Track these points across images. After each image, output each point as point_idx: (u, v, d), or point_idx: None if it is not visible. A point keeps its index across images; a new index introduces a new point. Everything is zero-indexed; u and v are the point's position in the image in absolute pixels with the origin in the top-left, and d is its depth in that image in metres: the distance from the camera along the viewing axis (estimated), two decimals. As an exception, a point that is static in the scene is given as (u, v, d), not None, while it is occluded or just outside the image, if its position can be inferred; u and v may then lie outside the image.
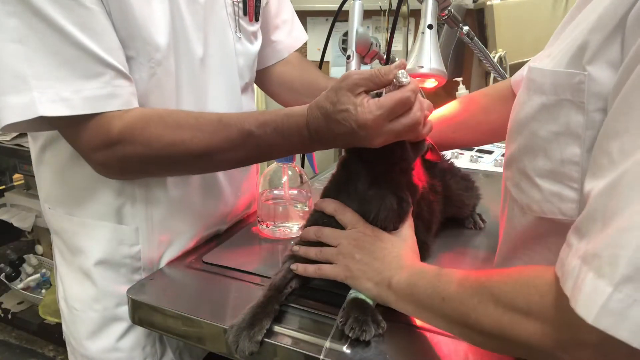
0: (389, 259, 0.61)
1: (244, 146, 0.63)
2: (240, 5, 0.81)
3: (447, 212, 0.84)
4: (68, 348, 0.83)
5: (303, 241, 0.68)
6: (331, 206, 0.66)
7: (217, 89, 0.79)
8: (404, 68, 0.57)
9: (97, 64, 0.60)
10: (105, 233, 0.74)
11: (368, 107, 0.55)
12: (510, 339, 0.44)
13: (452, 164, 0.93)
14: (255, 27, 0.86)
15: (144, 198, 0.74)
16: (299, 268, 0.65)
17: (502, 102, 0.80)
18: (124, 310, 0.73)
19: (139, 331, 0.76)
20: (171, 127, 0.63)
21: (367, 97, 0.56)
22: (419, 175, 0.74)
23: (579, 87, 0.43)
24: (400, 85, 0.56)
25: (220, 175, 0.83)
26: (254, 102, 0.93)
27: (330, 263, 0.64)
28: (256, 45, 0.87)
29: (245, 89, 0.87)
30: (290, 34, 0.98)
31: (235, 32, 0.81)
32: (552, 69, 0.47)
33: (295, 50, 1.00)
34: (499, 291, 0.45)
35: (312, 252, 0.65)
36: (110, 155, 0.64)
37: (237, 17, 0.80)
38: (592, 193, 0.38)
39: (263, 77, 0.99)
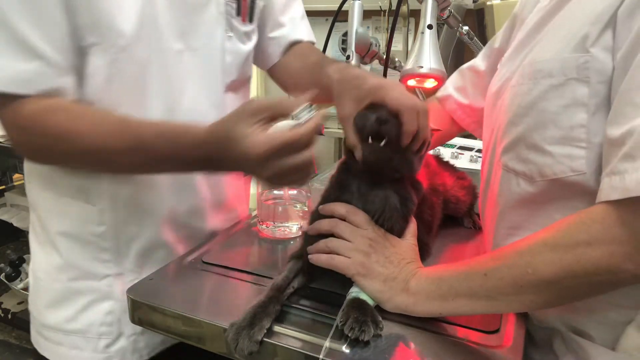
0: (403, 265, 0.62)
1: (135, 153, 0.64)
2: (234, 5, 0.81)
3: (444, 210, 0.84)
4: (31, 319, 0.84)
5: (311, 235, 0.68)
6: (343, 208, 0.65)
7: (196, 84, 0.78)
8: (310, 102, 0.58)
9: (26, 48, 0.61)
10: (73, 209, 0.76)
11: (257, 140, 0.56)
12: (576, 274, 0.50)
13: (448, 163, 0.93)
14: (249, 27, 0.85)
15: (108, 177, 0.75)
16: (313, 256, 0.65)
17: (443, 114, 0.96)
18: (87, 284, 0.76)
19: (98, 310, 0.78)
20: (72, 117, 0.64)
21: (261, 128, 0.57)
22: (421, 175, 0.74)
23: (585, 66, 0.55)
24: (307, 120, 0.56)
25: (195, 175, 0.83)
26: (241, 103, 0.91)
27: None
28: (249, 45, 0.86)
29: (232, 87, 0.86)
30: (293, 31, 0.96)
31: (226, 31, 0.80)
32: (560, 56, 0.58)
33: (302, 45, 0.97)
34: (553, 239, 0.52)
35: (321, 242, 0.65)
36: (19, 140, 0.65)
37: (228, 17, 0.80)
38: (636, 129, 0.48)
39: (274, 75, 0.99)
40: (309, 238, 0.68)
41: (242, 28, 0.84)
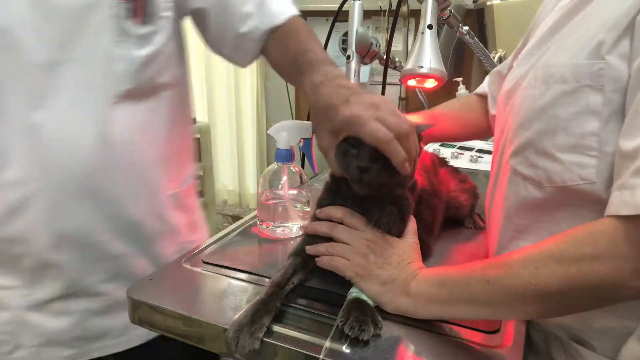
0: (402, 266, 0.61)
1: None
2: (126, 6, 0.72)
3: (446, 214, 0.84)
4: None
5: (309, 236, 0.68)
6: (339, 212, 0.65)
7: (71, 98, 0.71)
8: None
9: None
10: None
11: None
12: (581, 288, 0.49)
13: (450, 166, 0.93)
14: (146, 29, 0.76)
15: None
16: (317, 259, 0.65)
17: (482, 107, 0.96)
18: None
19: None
20: None
21: None
22: (423, 176, 0.74)
23: (599, 74, 0.54)
24: None
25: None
26: (150, 114, 0.81)
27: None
28: (148, 49, 0.76)
29: (131, 96, 0.76)
30: (263, 18, 0.83)
31: (116, 35, 0.72)
32: (574, 62, 0.56)
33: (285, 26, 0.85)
34: (559, 250, 0.50)
35: (322, 246, 0.65)
36: None
37: (120, 20, 0.72)
38: None
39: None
40: (308, 238, 0.68)
41: (138, 31, 0.75)
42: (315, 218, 0.69)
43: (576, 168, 0.56)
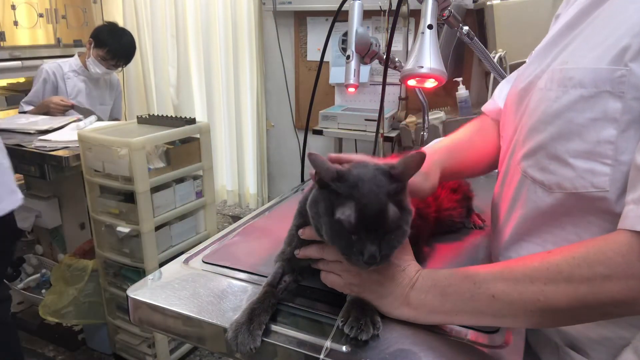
0: (398, 274, 0.60)
1: None
2: None
3: (438, 228, 0.83)
4: None
5: (301, 258, 0.66)
6: None
7: None
8: None
9: None
10: None
11: None
12: (590, 305, 0.48)
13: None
14: None
15: None
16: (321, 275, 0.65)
17: (496, 129, 0.83)
18: None
19: None
20: None
21: None
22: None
23: (620, 80, 0.52)
24: None
25: None
26: None
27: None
28: None
29: None
30: None
31: None
32: (594, 67, 0.54)
33: None
34: (568, 266, 0.49)
35: (320, 264, 0.65)
36: None
37: None
38: None
39: None
40: (301, 242, 0.67)
41: None
42: (298, 238, 0.66)
43: (589, 175, 0.54)
